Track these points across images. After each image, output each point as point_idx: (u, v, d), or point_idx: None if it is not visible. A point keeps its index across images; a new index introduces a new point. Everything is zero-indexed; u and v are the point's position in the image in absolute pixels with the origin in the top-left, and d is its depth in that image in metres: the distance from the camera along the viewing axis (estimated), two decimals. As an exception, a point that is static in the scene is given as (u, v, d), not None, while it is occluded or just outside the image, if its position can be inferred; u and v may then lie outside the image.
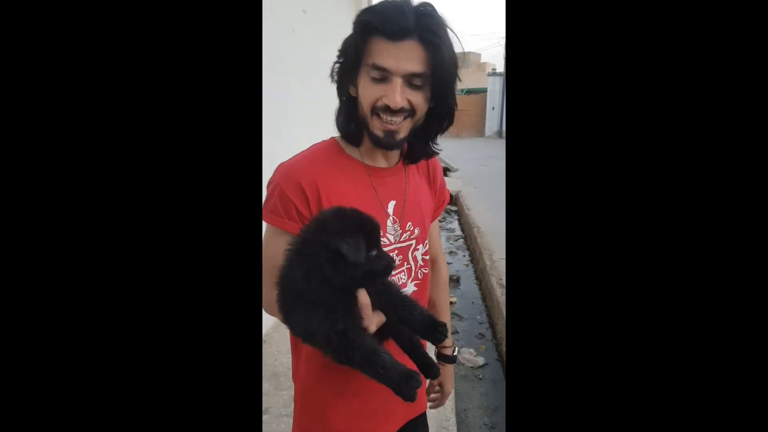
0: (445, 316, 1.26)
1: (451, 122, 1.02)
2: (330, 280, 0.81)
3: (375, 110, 0.91)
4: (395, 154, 1.03)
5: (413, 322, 0.89)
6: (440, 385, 1.29)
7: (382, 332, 0.92)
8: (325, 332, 0.81)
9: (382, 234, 0.97)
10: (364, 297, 0.85)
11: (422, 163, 1.10)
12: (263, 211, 0.97)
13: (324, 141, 1.04)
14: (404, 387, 0.79)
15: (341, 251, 0.79)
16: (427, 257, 1.12)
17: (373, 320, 0.86)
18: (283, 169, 0.97)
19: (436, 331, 0.87)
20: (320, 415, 1.07)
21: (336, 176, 0.96)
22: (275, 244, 0.94)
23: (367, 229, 0.83)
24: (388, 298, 0.90)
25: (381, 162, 1.02)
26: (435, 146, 1.06)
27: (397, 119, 0.91)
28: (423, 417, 1.24)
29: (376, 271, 0.83)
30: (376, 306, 0.87)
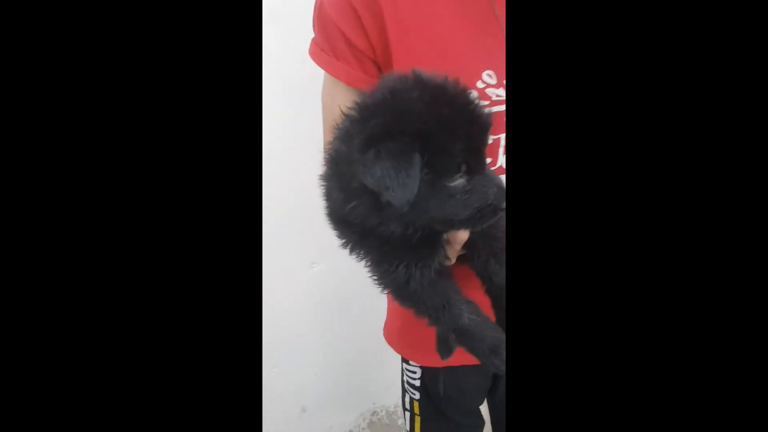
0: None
1: None
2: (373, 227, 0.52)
3: None
4: None
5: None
6: None
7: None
8: (382, 280, 0.61)
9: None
10: (453, 247, 0.60)
11: None
12: (311, 45, 0.64)
13: None
14: (490, 358, 0.57)
15: (372, 187, 0.45)
16: None
17: (456, 251, 0.61)
18: None
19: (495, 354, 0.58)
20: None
21: None
22: (330, 94, 0.64)
23: (445, 136, 0.44)
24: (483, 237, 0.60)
25: None
26: None
27: None
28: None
29: (458, 219, 0.50)
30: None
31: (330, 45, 0.59)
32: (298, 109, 1.28)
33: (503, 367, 0.56)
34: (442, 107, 0.45)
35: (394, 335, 1.08)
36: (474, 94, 0.50)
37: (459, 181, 0.48)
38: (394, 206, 0.44)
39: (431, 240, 0.56)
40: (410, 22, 0.56)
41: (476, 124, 0.46)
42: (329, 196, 0.58)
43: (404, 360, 1.10)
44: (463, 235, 0.59)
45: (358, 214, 0.51)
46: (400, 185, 0.42)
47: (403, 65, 0.59)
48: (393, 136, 0.44)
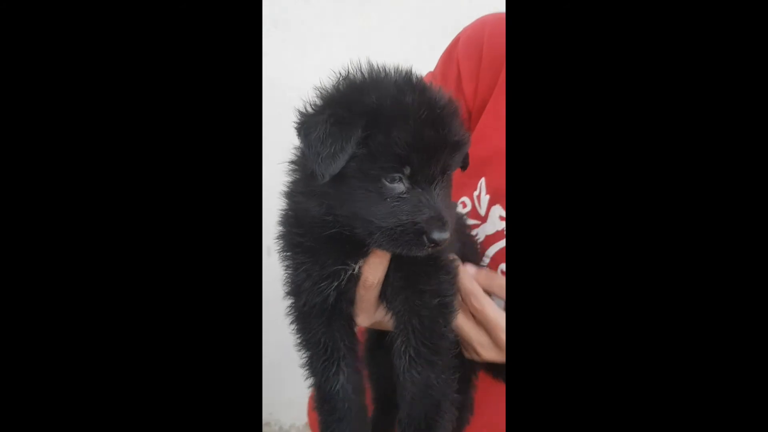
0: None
1: None
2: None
3: None
4: None
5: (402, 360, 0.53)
6: None
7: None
8: (289, 282, 0.55)
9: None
10: (374, 261, 0.50)
11: None
12: (426, 76, 0.65)
13: None
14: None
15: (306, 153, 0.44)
16: None
17: (368, 306, 0.54)
18: (481, 19, 0.67)
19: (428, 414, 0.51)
20: None
21: None
22: None
23: (394, 121, 0.40)
24: (409, 284, 0.53)
25: None
26: None
27: None
28: None
29: (378, 224, 0.43)
30: (390, 290, 0.53)
31: (443, 79, 0.64)
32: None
33: None
34: (406, 94, 0.41)
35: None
36: (450, 100, 0.46)
37: (397, 185, 0.43)
38: (317, 177, 0.41)
39: (346, 242, 0.49)
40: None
41: (435, 126, 0.41)
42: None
43: None
44: (376, 261, 0.49)
45: (291, 186, 0.49)
46: (330, 155, 0.39)
47: (488, 125, 0.61)
48: (347, 106, 0.41)
